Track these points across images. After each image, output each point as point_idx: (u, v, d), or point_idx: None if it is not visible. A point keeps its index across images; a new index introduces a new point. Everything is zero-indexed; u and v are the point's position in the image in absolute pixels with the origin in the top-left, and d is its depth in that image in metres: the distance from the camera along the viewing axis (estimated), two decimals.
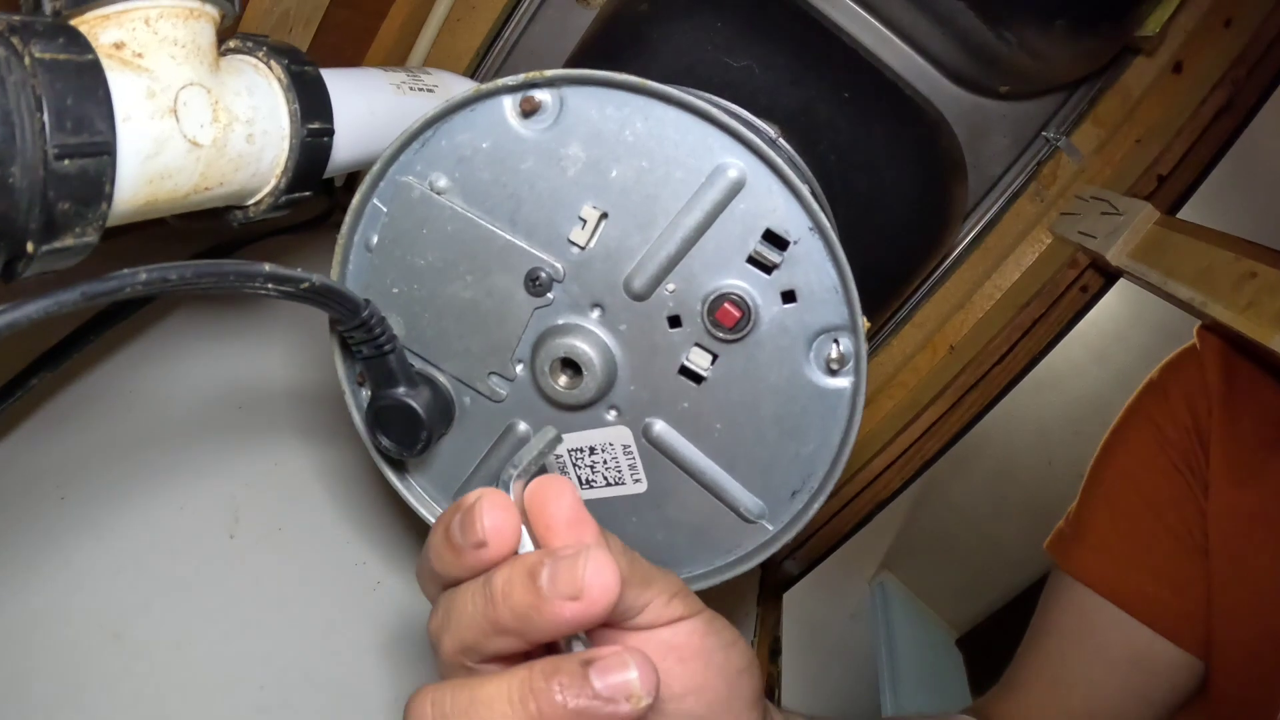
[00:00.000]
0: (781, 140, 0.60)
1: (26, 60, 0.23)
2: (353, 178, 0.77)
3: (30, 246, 0.25)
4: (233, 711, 0.48)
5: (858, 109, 0.73)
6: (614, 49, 0.69)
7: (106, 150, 0.25)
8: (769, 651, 0.90)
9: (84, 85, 0.24)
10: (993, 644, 2.16)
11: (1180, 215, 0.83)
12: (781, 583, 1.02)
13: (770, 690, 0.97)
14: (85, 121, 0.24)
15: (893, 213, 0.78)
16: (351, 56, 0.74)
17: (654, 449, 0.34)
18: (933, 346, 0.94)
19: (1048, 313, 0.91)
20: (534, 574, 0.25)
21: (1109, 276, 0.86)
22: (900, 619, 2.57)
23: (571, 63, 0.73)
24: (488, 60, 0.84)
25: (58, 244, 0.25)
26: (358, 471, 0.64)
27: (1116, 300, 1.30)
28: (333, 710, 0.51)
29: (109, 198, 0.26)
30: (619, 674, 0.24)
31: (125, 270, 0.24)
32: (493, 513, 0.26)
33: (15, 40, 0.24)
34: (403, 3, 0.75)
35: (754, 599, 0.93)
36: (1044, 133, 0.86)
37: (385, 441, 0.34)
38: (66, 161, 0.24)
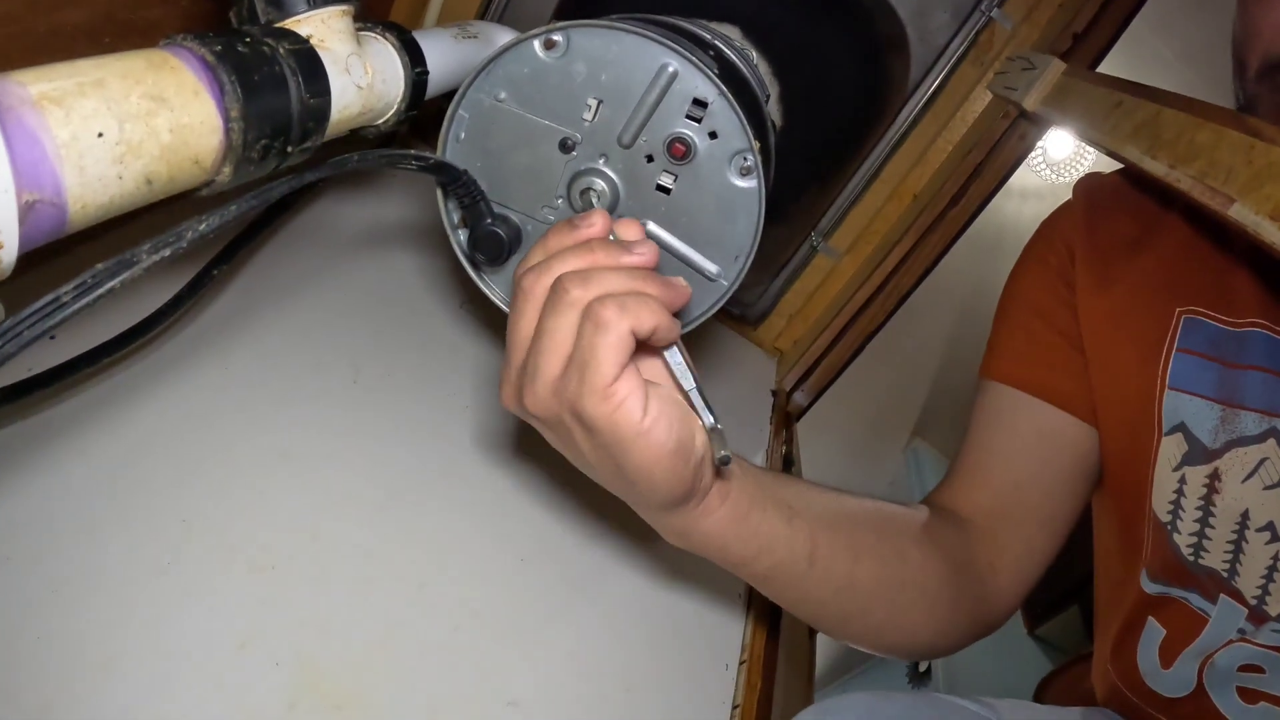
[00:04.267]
0: (736, 40, 0.79)
1: (282, 50, 0.44)
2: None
3: (290, 148, 0.46)
4: (367, 505, 0.69)
5: (801, 7, 0.89)
6: None
7: (327, 93, 0.46)
8: (782, 463, 1.07)
9: (311, 61, 0.45)
10: None
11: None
12: (793, 413, 1.19)
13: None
14: (315, 79, 0.45)
15: (839, 86, 0.95)
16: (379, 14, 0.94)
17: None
18: (898, 196, 1.09)
19: (990, 157, 1.04)
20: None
21: (1036, 122, 1.01)
22: (934, 481, 2.75)
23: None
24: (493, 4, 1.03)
25: (305, 145, 0.46)
26: (445, 334, 0.86)
27: None
28: (447, 497, 0.72)
29: (327, 118, 0.47)
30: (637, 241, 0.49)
31: (343, 156, 0.45)
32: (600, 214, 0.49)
33: (273, 41, 0.44)
34: None
35: (769, 425, 1.12)
36: (979, 6, 0.99)
37: (480, 257, 0.56)
38: (311, 100, 0.45)
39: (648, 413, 0.45)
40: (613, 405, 0.44)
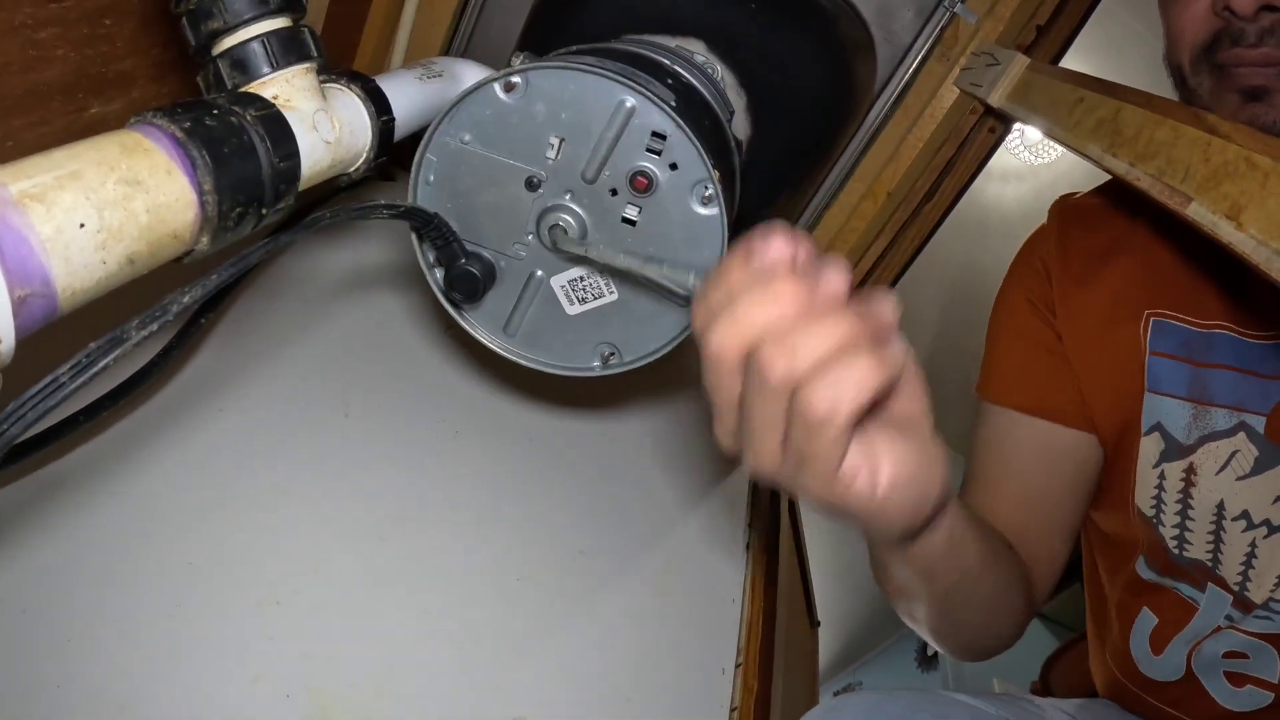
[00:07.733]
0: (699, 56, 0.81)
1: (249, 117, 0.46)
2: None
3: (265, 211, 0.48)
4: (366, 535, 0.71)
5: (764, 17, 0.91)
6: (566, 5, 0.90)
7: (296, 155, 0.48)
8: None
9: (278, 124, 0.47)
10: None
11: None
12: None
13: (797, 541, 1.16)
14: (283, 142, 0.47)
15: (806, 92, 0.97)
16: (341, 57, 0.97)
17: (618, 270, 0.58)
18: (873, 195, 1.10)
19: (961, 152, 1.07)
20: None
21: (1003, 117, 1.02)
22: None
23: (531, 18, 0.95)
24: (460, 29, 1.04)
25: (279, 205, 0.48)
26: (429, 362, 0.88)
27: None
28: (442, 522, 0.75)
29: (298, 179, 0.49)
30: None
31: (315, 214, 0.47)
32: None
33: (240, 108, 0.46)
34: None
35: None
36: (943, 2, 1.01)
37: (457, 296, 0.58)
38: (281, 163, 0.47)
39: (879, 483, 0.38)
40: (841, 489, 0.38)
